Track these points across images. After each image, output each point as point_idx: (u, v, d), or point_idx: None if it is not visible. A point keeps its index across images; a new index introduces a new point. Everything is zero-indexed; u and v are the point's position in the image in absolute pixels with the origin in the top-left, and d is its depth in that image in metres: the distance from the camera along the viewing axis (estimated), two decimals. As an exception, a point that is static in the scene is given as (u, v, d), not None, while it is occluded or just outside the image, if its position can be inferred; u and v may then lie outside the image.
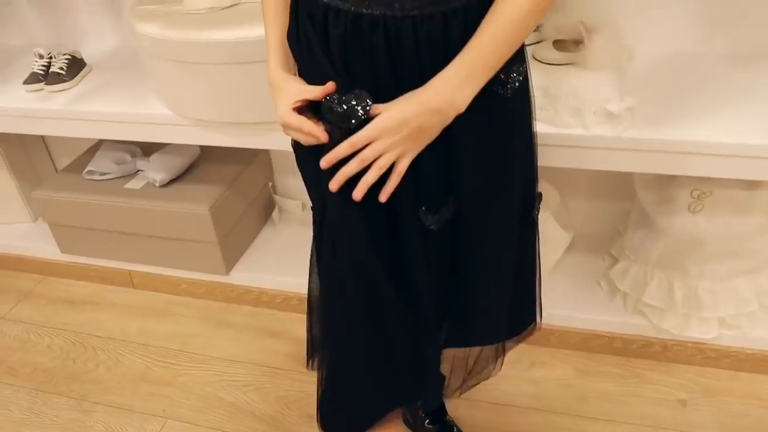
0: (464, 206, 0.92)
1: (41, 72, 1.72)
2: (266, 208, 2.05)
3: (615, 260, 1.69)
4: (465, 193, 0.92)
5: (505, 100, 0.87)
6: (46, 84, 1.69)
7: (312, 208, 1.00)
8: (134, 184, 1.86)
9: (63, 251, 2.04)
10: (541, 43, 1.39)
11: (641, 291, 1.57)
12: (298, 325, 1.82)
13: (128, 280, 2.02)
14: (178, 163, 1.86)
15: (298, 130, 0.83)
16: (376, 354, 0.95)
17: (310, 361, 1.20)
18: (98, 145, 1.99)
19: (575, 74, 1.28)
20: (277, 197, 2.05)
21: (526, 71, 0.90)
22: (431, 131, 0.81)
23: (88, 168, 1.89)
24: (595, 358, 1.64)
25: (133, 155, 1.92)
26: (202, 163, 1.92)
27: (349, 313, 0.93)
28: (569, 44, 1.36)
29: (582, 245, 1.79)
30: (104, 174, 1.89)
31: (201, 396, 1.65)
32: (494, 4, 0.79)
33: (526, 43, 0.88)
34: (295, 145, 0.94)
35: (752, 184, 1.36)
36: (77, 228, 1.94)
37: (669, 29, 1.48)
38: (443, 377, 1.23)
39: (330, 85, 0.81)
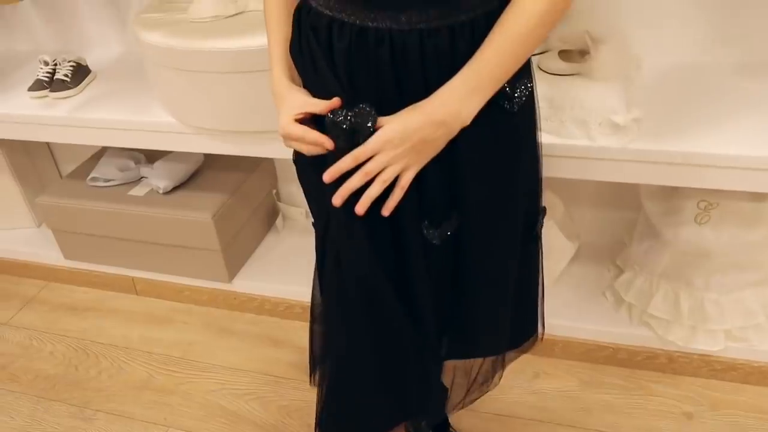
0: (468, 220, 0.91)
1: (46, 79, 1.72)
2: (270, 216, 2.05)
3: (620, 271, 1.68)
4: (469, 206, 0.90)
5: (512, 115, 0.86)
6: (51, 91, 1.69)
7: (313, 223, 0.99)
8: (138, 191, 1.86)
9: (66, 257, 2.04)
10: (546, 53, 1.38)
11: (647, 302, 1.56)
12: (300, 334, 1.81)
13: (131, 287, 2.02)
14: (181, 171, 1.86)
15: (301, 139, 0.82)
16: (379, 369, 0.95)
17: (312, 377, 1.19)
18: (102, 152, 2.00)
19: (581, 85, 1.27)
20: (280, 204, 2.05)
21: (533, 86, 0.89)
22: (436, 144, 0.80)
23: (92, 174, 1.89)
24: (599, 370, 1.63)
25: (137, 162, 1.92)
26: (205, 170, 1.92)
27: (351, 328, 0.92)
28: (575, 54, 1.35)
29: (586, 255, 1.78)
30: (108, 181, 1.89)
31: (203, 404, 1.64)
32: (502, 16, 0.78)
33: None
34: (297, 158, 0.94)
35: (759, 196, 1.34)
36: (81, 234, 1.94)
37: (676, 39, 1.47)
38: (446, 389, 1.22)
39: (335, 101, 0.80)
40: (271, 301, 1.86)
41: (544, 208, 1.03)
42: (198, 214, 1.75)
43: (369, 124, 0.78)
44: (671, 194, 1.44)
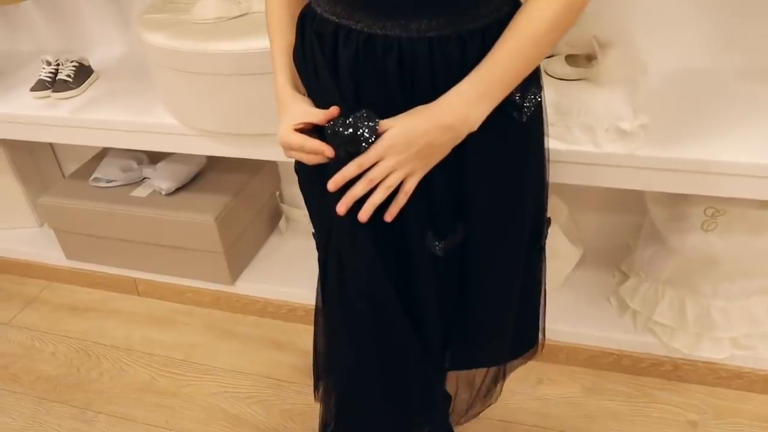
0: (474, 228, 0.90)
1: (48, 79, 1.71)
2: (273, 218, 2.04)
3: (625, 276, 1.66)
4: (476, 214, 0.89)
5: (521, 124, 0.84)
6: (53, 91, 1.68)
7: (314, 233, 0.98)
8: (140, 191, 1.85)
9: (68, 257, 2.03)
10: (552, 58, 1.36)
11: (652, 309, 1.54)
12: (303, 337, 1.81)
13: (133, 288, 2.01)
14: (184, 172, 1.85)
15: (300, 148, 0.80)
16: (383, 380, 0.93)
17: (316, 392, 1.18)
18: (105, 152, 1.99)
19: (587, 90, 1.26)
20: (284, 206, 2.04)
21: (542, 95, 0.87)
22: (442, 149, 0.78)
23: (95, 175, 1.89)
24: (603, 376, 1.61)
25: (140, 162, 1.91)
26: (208, 171, 1.91)
27: (356, 340, 0.91)
28: (581, 59, 1.34)
29: (591, 260, 1.76)
30: (110, 181, 1.88)
31: (204, 407, 1.63)
32: (514, 19, 0.77)
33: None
34: (299, 167, 0.92)
35: (767, 204, 1.33)
36: (83, 235, 1.94)
37: (683, 44, 1.45)
38: (449, 397, 1.21)
39: (333, 110, 0.78)
40: (274, 304, 1.85)
41: (549, 218, 1.01)
42: (201, 215, 1.74)
43: (370, 131, 0.76)
44: (677, 200, 1.42)
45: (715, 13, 1.41)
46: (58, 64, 1.74)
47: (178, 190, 1.83)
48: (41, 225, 2.19)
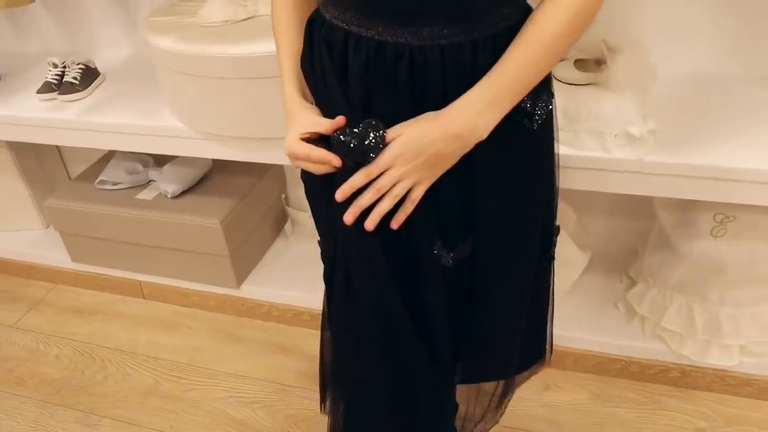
0: (484, 239, 0.89)
1: (55, 81, 1.71)
2: (278, 221, 2.03)
3: (633, 282, 1.65)
4: (485, 224, 0.88)
5: (531, 132, 0.83)
6: (60, 93, 1.68)
7: (319, 241, 0.97)
8: (146, 194, 1.84)
9: (74, 260, 2.03)
10: (561, 62, 1.35)
11: (660, 315, 1.53)
12: (309, 342, 1.80)
13: (138, 291, 2.01)
14: (190, 175, 1.84)
15: (307, 158, 0.79)
16: (393, 393, 0.92)
17: (323, 405, 1.17)
18: (111, 154, 1.98)
19: (596, 95, 1.25)
20: (289, 209, 2.03)
21: (553, 103, 0.86)
22: (450, 158, 0.77)
23: (100, 178, 1.88)
24: (611, 383, 1.60)
25: (146, 165, 1.91)
26: (214, 174, 1.90)
27: (363, 352, 0.90)
28: (590, 64, 1.33)
29: (599, 265, 1.75)
30: (116, 184, 1.88)
31: (209, 412, 1.63)
32: (524, 27, 0.76)
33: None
34: (305, 175, 0.91)
35: (778, 210, 1.32)
36: (88, 237, 1.93)
37: (694, 49, 1.44)
38: (456, 407, 1.19)
39: (340, 119, 0.77)
40: (279, 308, 1.85)
41: (558, 227, 1.00)
42: (206, 219, 1.74)
43: (377, 141, 0.75)
44: (686, 206, 1.41)
45: (726, 17, 1.39)
46: (64, 67, 1.73)
47: (183, 193, 1.83)
48: (47, 227, 2.19)
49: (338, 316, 0.95)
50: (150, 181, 1.89)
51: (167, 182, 1.81)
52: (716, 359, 1.49)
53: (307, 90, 0.87)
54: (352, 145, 0.75)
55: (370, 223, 0.78)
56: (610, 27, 1.28)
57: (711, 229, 1.39)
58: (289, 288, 1.84)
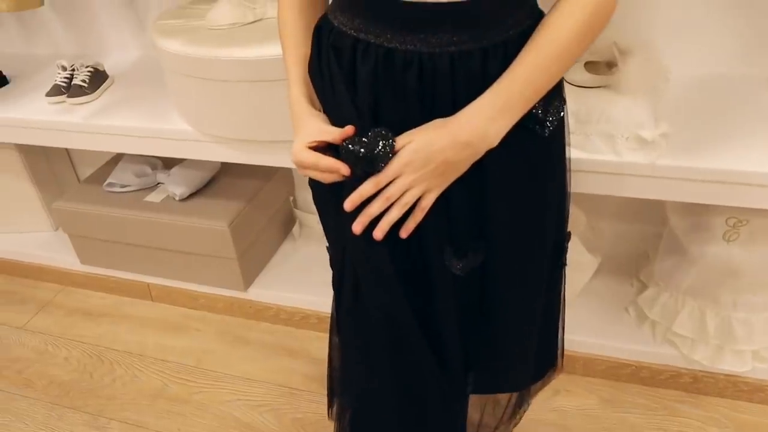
0: (496, 247, 0.87)
1: (64, 84, 1.71)
2: (286, 223, 2.03)
3: (644, 286, 1.63)
4: (497, 234, 0.86)
5: (543, 139, 0.82)
6: (68, 96, 1.68)
7: (328, 248, 0.96)
8: (154, 197, 1.84)
9: (83, 262, 2.04)
10: (571, 64, 1.34)
11: (671, 320, 1.51)
12: (316, 344, 1.79)
13: (146, 293, 2.01)
14: (198, 177, 1.84)
15: (314, 167, 0.78)
16: (401, 402, 0.91)
17: (330, 410, 1.16)
18: (120, 156, 1.99)
19: (607, 98, 1.24)
20: (297, 212, 2.03)
21: (565, 108, 0.85)
22: (460, 165, 0.76)
23: (109, 180, 1.88)
24: (621, 388, 1.59)
25: (154, 168, 1.91)
26: (222, 176, 1.90)
27: (371, 361, 0.89)
28: (601, 66, 1.31)
29: (609, 269, 1.73)
30: (124, 186, 1.88)
31: (216, 415, 1.62)
32: (536, 32, 0.74)
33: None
34: (313, 183, 0.90)
35: (792, 214, 1.30)
36: (97, 239, 1.94)
37: (707, 50, 1.42)
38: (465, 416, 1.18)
39: (348, 129, 0.76)
40: (287, 311, 1.84)
41: (569, 233, 0.99)
42: (214, 222, 1.73)
43: (386, 149, 0.74)
44: (699, 210, 1.39)
45: (739, 17, 1.37)
46: (73, 70, 1.74)
47: (191, 195, 1.82)
48: (56, 229, 2.20)
49: (347, 324, 0.94)
50: (158, 183, 1.89)
51: (175, 185, 1.81)
52: (728, 365, 1.47)
53: (314, 96, 0.86)
54: (360, 154, 0.74)
55: (378, 233, 0.77)
56: (621, 29, 1.27)
57: (724, 233, 1.37)
58: (296, 291, 1.83)
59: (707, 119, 1.29)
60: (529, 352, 1.01)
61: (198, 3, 1.60)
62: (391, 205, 0.76)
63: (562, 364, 1.13)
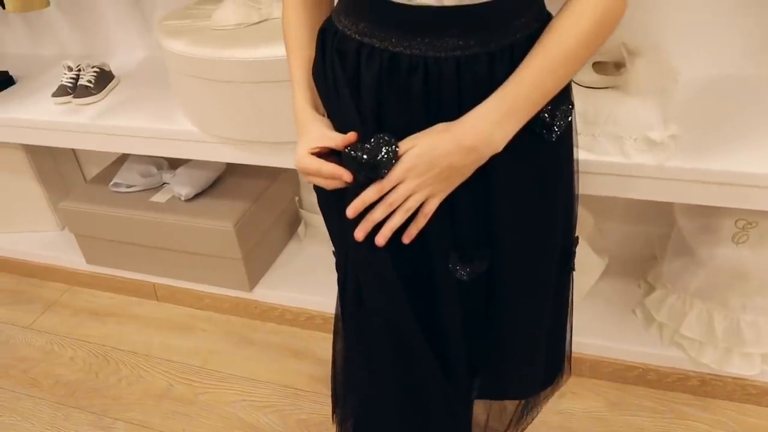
0: (503, 253, 0.86)
1: (70, 85, 1.71)
2: (292, 223, 2.03)
3: (651, 287, 1.62)
4: (503, 239, 0.85)
5: (549, 144, 0.80)
6: (74, 97, 1.68)
7: (334, 252, 0.95)
8: (160, 197, 1.84)
9: (88, 262, 2.04)
10: (579, 65, 1.33)
11: (679, 322, 1.50)
12: (322, 345, 1.79)
13: (152, 293, 2.01)
14: (203, 177, 1.84)
15: (317, 173, 0.77)
16: (403, 411, 0.90)
17: (334, 415, 1.15)
18: (126, 156, 1.99)
19: (615, 99, 1.22)
20: (303, 212, 2.02)
21: (573, 112, 0.83)
22: (465, 170, 0.75)
23: (115, 180, 1.89)
24: (628, 390, 1.57)
25: (160, 167, 1.91)
26: (228, 177, 1.90)
27: (375, 364, 0.88)
28: (609, 67, 1.30)
29: (616, 270, 1.72)
30: (130, 186, 1.88)
31: (221, 416, 1.62)
32: (543, 34, 0.73)
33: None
34: (318, 186, 0.90)
35: (802, 217, 1.28)
36: (102, 239, 1.94)
37: (717, 50, 1.41)
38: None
39: (351, 135, 0.75)
40: (292, 311, 1.84)
41: (577, 237, 0.98)
42: (219, 222, 1.73)
43: (389, 155, 0.72)
44: (707, 212, 1.38)
45: (749, 17, 1.36)
46: (79, 70, 1.74)
47: (197, 195, 1.82)
48: (62, 228, 2.20)
49: (350, 328, 0.94)
50: (164, 183, 1.89)
51: (181, 185, 1.81)
52: (737, 368, 1.45)
53: (318, 100, 0.85)
54: (363, 160, 0.73)
55: (381, 239, 0.75)
56: (630, 29, 1.26)
57: (732, 236, 1.36)
58: (302, 291, 1.83)
59: (716, 120, 1.28)
60: (537, 357, 1.00)
61: (203, 3, 1.59)
62: (394, 210, 0.75)
63: (570, 369, 1.12)
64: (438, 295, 0.86)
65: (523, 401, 1.13)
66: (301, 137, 0.81)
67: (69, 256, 2.07)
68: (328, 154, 0.77)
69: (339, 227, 0.89)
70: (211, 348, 1.83)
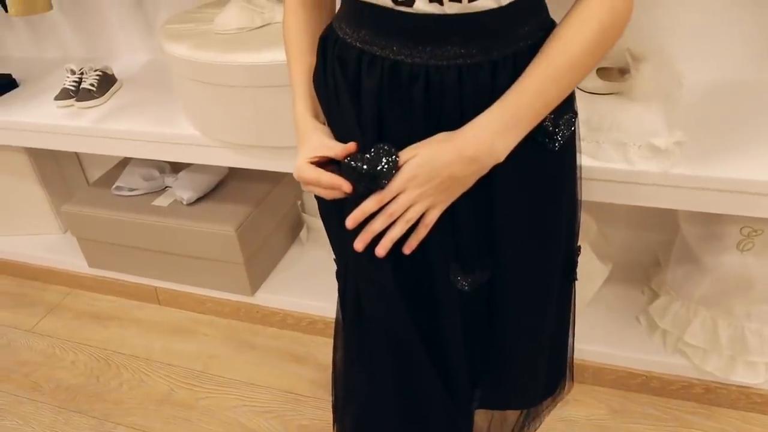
0: (504, 264, 0.85)
1: (72, 88, 1.71)
2: (294, 227, 2.02)
3: (655, 294, 1.61)
4: (505, 249, 0.84)
5: (552, 153, 0.79)
6: (77, 100, 1.68)
7: (335, 259, 0.94)
8: (162, 201, 1.84)
9: (90, 265, 2.04)
10: (583, 70, 1.32)
11: (683, 329, 1.49)
12: (323, 350, 1.78)
13: (154, 297, 2.00)
14: (205, 181, 1.84)
15: (316, 184, 0.76)
16: (404, 420, 0.90)
17: (335, 426, 1.14)
18: (128, 159, 1.99)
19: (620, 105, 1.21)
20: (305, 216, 2.01)
21: (576, 121, 0.82)
22: (466, 181, 0.73)
23: (117, 184, 1.88)
24: (631, 398, 1.56)
25: (162, 171, 1.91)
26: (230, 180, 1.89)
27: (375, 375, 0.87)
28: (614, 72, 1.29)
29: (620, 276, 1.71)
30: (132, 190, 1.88)
31: (222, 421, 1.61)
32: (547, 42, 0.72)
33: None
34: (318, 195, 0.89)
35: (808, 225, 1.27)
36: (104, 243, 1.94)
37: (722, 55, 1.40)
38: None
39: (351, 146, 0.74)
40: (294, 316, 1.83)
41: (580, 246, 0.97)
42: (221, 226, 1.73)
43: (389, 165, 0.71)
44: (712, 219, 1.37)
45: (757, 20, 1.35)
46: (82, 73, 1.73)
47: (199, 199, 1.82)
48: (65, 231, 2.20)
49: (350, 338, 0.93)
50: (166, 187, 1.88)
51: (183, 189, 1.81)
52: (741, 376, 1.44)
53: (318, 108, 0.85)
54: (363, 171, 0.72)
55: (381, 250, 0.74)
56: (634, 35, 1.25)
57: (738, 243, 1.35)
58: (304, 296, 1.82)
59: (721, 127, 1.27)
60: (539, 367, 0.99)
61: (206, 7, 1.59)
62: (395, 221, 0.74)
63: (573, 378, 1.11)
64: (439, 305, 0.85)
65: (524, 411, 1.12)
66: (300, 146, 0.80)
67: (71, 259, 2.07)
68: (327, 164, 0.76)
69: (339, 237, 0.88)
70: (212, 352, 1.83)
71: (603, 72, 1.30)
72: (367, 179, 0.72)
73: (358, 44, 0.76)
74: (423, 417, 0.92)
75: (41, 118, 1.69)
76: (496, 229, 0.82)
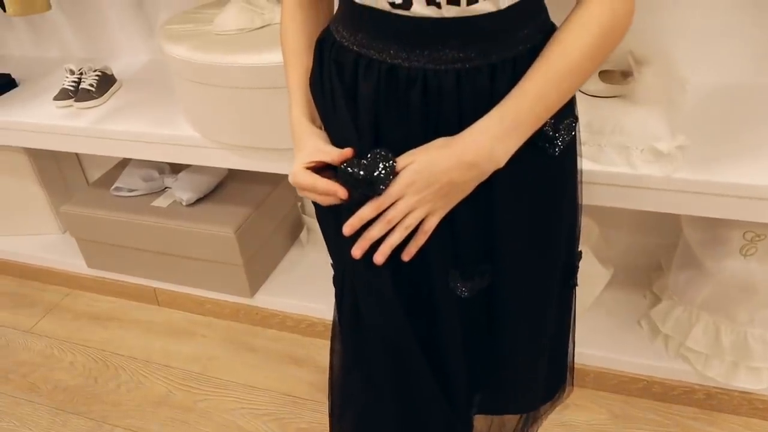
0: (504, 270, 0.84)
1: (71, 88, 1.70)
2: (294, 229, 2.01)
3: (657, 299, 1.60)
4: (505, 255, 0.83)
5: (553, 158, 0.78)
6: (76, 101, 1.67)
7: (332, 264, 0.93)
8: (161, 202, 1.83)
9: (90, 266, 2.03)
10: (585, 73, 1.31)
11: (685, 334, 1.47)
12: (322, 353, 1.77)
13: (153, 298, 2.00)
14: (205, 182, 1.83)
15: (311, 189, 0.74)
16: (403, 428, 0.89)
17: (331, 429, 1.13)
18: (128, 160, 1.98)
19: (622, 109, 1.20)
20: (305, 217, 2.01)
21: (576, 126, 0.81)
22: (465, 187, 0.72)
23: (116, 184, 1.88)
24: (632, 403, 1.55)
25: (161, 172, 1.90)
26: (230, 181, 1.89)
27: (372, 382, 0.86)
28: (616, 76, 1.28)
29: (621, 280, 1.70)
30: (132, 191, 1.87)
31: (220, 424, 1.60)
32: (547, 46, 0.71)
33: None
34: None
35: (812, 230, 1.26)
36: (104, 244, 1.93)
37: (725, 58, 1.38)
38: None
39: (347, 151, 0.73)
40: (293, 318, 1.82)
41: (581, 252, 0.95)
42: (220, 228, 1.72)
43: (387, 171, 0.70)
44: (714, 223, 1.36)
45: (758, 24, 1.33)
46: (81, 73, 1.73)
47: (198, 200, 1.81)
48: (64, 232, 2.19)
49: (347, 345, 0.92)
50: (165, 188, 1.87)
51: (182, 190, 1.80)
52: (743, 382, 1.43)
53: (315, 112, 0.84)
54: (360, 177, 0.71)
55: (379, 257, 0.73)
56: (637, 38, 1.23)
57: (741, 248, 1.33)
58: (303, 298, 1.81)
59: (725, 130, 1.26)
60: (538, 372, 0.98)
61: (206, 8, 1.58)
62: (393, 228, 0.73)
63: (573, 382, 1.10)
64: (438, 311, 0.84)
65: (523, 416, 1.11)
66: (297, 151, 0.79)
67: (70, 259, 2.06)
68: (324, 169, 0.75)
69: (336, 243, 0.87)
70: (211, 354, 1.82)
71: (605, 75, 1.29)
72: (364, 185, 0.71)
73: (355, 48, 0.75)
74: (422, 424, 0.91)
75: (40, 118, 1.68)
76: (495, 235, 0.81)
